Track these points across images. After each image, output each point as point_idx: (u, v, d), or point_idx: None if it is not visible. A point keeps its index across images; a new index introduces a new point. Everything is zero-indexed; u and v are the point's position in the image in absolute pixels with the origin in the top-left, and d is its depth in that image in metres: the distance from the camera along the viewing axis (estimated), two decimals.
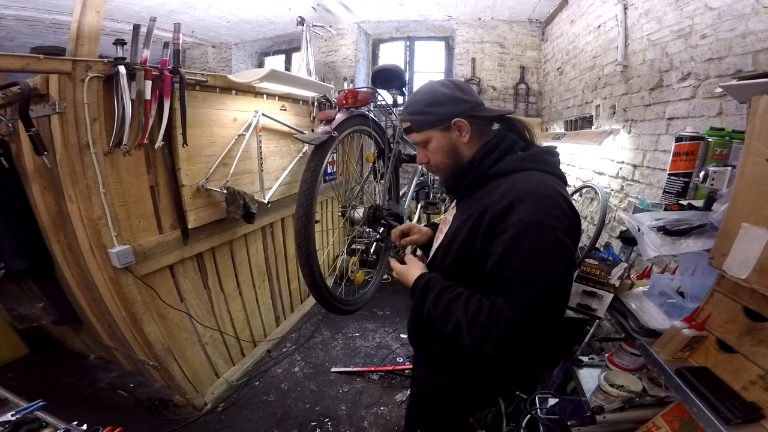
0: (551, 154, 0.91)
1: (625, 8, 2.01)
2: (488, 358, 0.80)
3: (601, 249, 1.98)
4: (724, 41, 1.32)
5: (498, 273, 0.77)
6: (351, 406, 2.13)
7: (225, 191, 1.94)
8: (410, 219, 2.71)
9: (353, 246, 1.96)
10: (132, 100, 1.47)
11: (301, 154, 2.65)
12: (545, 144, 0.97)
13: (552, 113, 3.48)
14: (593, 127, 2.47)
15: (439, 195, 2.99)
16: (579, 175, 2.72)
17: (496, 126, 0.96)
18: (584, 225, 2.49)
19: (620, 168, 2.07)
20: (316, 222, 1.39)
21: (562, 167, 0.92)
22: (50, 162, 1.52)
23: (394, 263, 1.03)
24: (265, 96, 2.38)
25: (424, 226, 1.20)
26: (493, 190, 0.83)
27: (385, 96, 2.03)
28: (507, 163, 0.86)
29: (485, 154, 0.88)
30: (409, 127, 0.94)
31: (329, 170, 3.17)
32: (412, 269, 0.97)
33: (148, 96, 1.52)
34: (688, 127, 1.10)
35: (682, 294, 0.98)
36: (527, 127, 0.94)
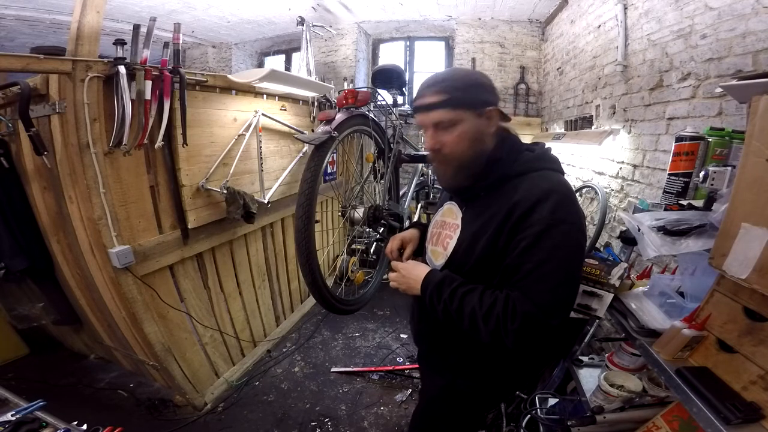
0: (552, 154, 0.94)
1: (625, 8, 2.01)
2: (509, 354, 0.81)
3: (601, 249, 1.98)
4: (724, 41, 1.31)
5: (517, 267, 0.79)
6: (351, 406, 2.13)
7: (225, 191, 1.94)
8: (410, 219, 2.71)
9: (353, 246, 1.96)
10: (132, 100, 1.46)
11: (301, 154, 2.65)
12: (546, 144, 0.98)
13: (552, 113, 3.48)
14: (593, 127, 2.47)
15: (439, 195, 2.99)
16: (579, 175, 2.72)
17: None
18: None
19: (620, 168, 2.07)
20: (316, 222, 1.39)
21: (562, 167, 0.94)
22: (50, 162, 1.52)
23: (396, 262, 1.02)
24: (265, 96, 2.38)
25: (408, 228, 1.18)
26: (512, 189, 0.83)
27: (385, 96, 2.03)
28: (524, 164, 0.88)
29: (507, 154, 0.88)
30: (436, 103, 0.83)
31: (329, 170, 3.17)
32: (419, 267, 0.96)
33: (148, 96, 1.51)
34: (688, 127, 1.10)
35: (682, 294, 0.98)
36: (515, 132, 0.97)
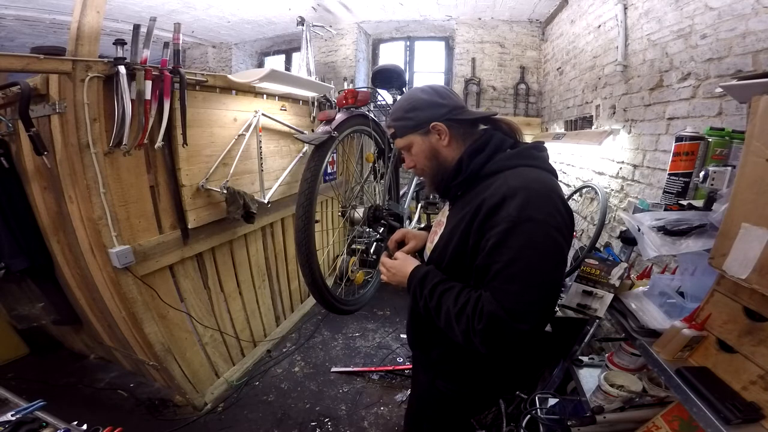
0: (539, 150, 0.91)
1: (625, 8, 2.01)
2: (490, 358, 0.80)
3: (601, 249, 1.98)
4: (724, 41, 1.32)
5: (486, 267, 0.77)
6: (351, 406, 2.13)
7: (225, 191, 1.94)
8: (410, 219, 2.71)
9: (353, 246, 1.96)
10: (132, 100, 1.46)
11: (301, 154, 2.65)
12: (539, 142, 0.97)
13: (552, 113, 3.48)
14: (593, 127, 2.47)
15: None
16: (579, 175, 2.71)
17: (482, 127, 0.96)
18: (584, 225, 2.49)
19: (620, 168, 2.07)
20: (316, 222, 1.39)
21: (562, 167, 0.93)
22: (50, 162, 1.52)
23: (386, 258, 1.03)
24: (265, 96, 2.38)
25: (419, 229, 1.19)
26: (485, 188, 0.83)
27: (385, 96, 2.03)
28: (498, 162, 0.86)
29: (473, 152, 0.89)
30: (393, 133, 0.98)
31: (329, 170, 3.17)
32: (407, 263, 0.96)
33: (148, 96, 1.51)
34: (688, 127, 1.10)
35: (682, 294, 0.97)
36: (513, 127, 0.95)
